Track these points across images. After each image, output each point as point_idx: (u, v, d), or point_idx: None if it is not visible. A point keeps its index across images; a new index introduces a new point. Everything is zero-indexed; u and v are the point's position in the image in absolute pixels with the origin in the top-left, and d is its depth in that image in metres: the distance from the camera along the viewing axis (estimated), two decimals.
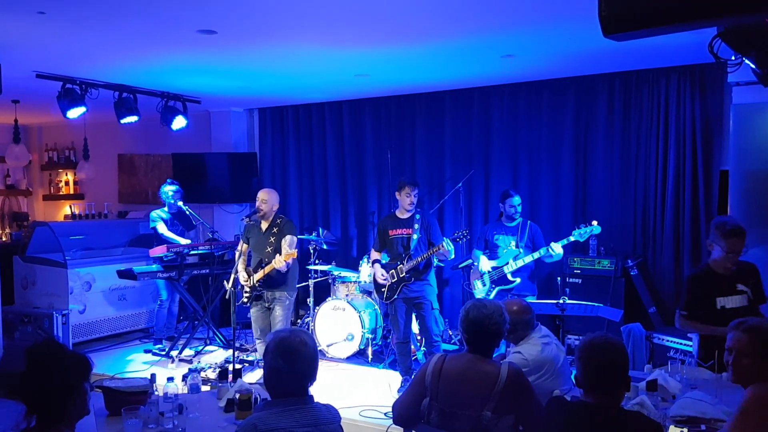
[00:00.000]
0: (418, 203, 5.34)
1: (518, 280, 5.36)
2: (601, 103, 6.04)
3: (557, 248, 5.17)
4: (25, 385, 2.12)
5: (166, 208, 6.61)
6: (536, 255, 5.28)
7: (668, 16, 2.08)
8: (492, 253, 5.54)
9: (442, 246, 4.97)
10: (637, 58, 5.40)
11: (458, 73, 5.91)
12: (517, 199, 5.46)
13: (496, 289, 5.40)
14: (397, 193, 5.29)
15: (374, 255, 5.47)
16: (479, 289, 5.53)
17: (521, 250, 5.38)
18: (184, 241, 6.53)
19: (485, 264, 5.47)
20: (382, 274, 5.23)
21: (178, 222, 6.66)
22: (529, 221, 5.59)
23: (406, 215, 5.26)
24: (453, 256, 5.20)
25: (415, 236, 5.17)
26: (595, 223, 5.17)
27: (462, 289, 6.48)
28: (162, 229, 6.50)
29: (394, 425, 3.05)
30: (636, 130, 5.90)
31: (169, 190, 6.58)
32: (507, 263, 5.38)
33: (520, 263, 5.33)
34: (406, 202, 5.21)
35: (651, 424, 2.38)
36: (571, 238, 5.17)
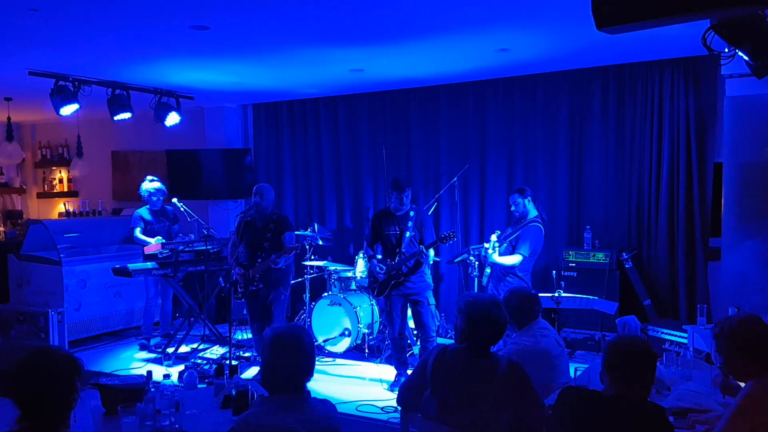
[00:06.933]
0: (414, 199, 5.30)
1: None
2: (596, 96, 6.05)
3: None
4: (23, 403, 2.08)
5: (148, 206, 6.40)
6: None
7: (661, 8, 2.09)
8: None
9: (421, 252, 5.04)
10: (630, 51, 5.40)
11: (453, 68, 5.90)
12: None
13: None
14: (389, 192, 5.31)
15: (369, 250, 5.47)
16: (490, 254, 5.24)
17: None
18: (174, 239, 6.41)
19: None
20: (380, 269, 5.21)
21: (164, 218, 6.46)
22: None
23: (399, 212, 5.26)
24: (431, 261, 5.19)
25: (407, 234, 5.16)
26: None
27: (458, 283, 6.48)
28: (138, 233, 6.24)
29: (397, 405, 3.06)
30: (630, 122, 5.91)
31: (150, 188, 6.31)
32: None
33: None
34: (396, 203, 5.20)
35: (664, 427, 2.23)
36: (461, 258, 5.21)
